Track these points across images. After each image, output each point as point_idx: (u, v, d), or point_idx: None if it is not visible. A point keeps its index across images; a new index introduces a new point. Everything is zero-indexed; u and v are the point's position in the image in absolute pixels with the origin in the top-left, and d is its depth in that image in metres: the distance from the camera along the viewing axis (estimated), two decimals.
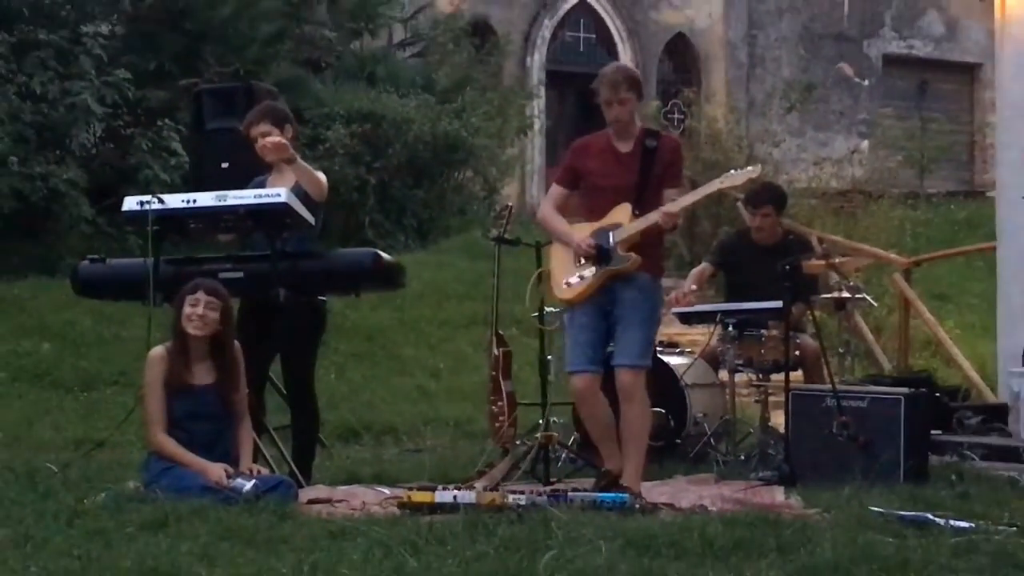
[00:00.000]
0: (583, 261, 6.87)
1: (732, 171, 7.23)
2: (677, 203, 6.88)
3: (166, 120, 15.29)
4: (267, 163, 7.34)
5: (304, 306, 7.11)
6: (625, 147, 6.96)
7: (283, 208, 6.85)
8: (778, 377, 8.14)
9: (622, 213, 6.85)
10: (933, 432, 8.30)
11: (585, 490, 6.53)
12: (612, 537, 5.02)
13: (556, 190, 7.18)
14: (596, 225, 6.90)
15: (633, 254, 6.79)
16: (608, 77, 6.95)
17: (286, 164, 7.17)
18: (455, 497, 6.06)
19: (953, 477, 7.15)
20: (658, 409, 8.02)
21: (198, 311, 6.52)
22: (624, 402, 6.81)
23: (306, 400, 7.31)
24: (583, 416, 7.21)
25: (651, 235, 6.88)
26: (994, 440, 8.81)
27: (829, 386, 7.64)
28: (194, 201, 7.10)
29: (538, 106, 22.81)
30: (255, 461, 6.71)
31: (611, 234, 6.82)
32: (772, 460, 7.90)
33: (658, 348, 8.50)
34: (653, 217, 6.79)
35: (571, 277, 6.92)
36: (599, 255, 6.81)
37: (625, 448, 6.86)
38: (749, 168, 7.29)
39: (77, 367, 11.84)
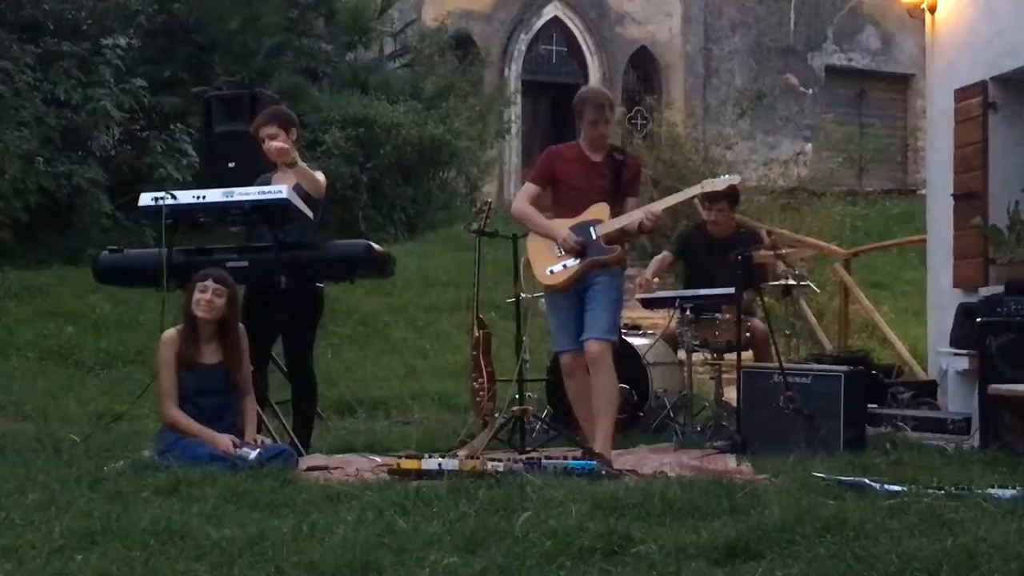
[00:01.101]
0: (563, 252, 6.92)
1: (710, 179, 7.32)
2: (660, 203, 7.05)
3: (178, 124, 15.26)
4: (272, 162, 7.33)
5: (303, 292, 7.09)
6: (596, 157, 7.06)
7: (284, 203, 6.84)
8: (731, 356, 8.17)
9: (601, 211, 6.94)
10: (870, 406, 8.32)
11: (557, 458, 6.53)
12: (581, 500, 5.02)
13: (531, 188, 7.23)
14: (574, 220, 6.96)
15: (617, 246, 6.92)
16: (594, 100, 7.07)
17: (288, 167, 7.15)
18: (440, 464, 6.06)
19: (887, 446, 7.16)
20: (623, 385, 8.04)
21: (206, 297, 6.52)
22: (593, 371, 6.83)
23: (306, 377, 7.29)
24: (571, 392, 7.19)
25: (629, 232, 6.97)
26: (924, 413, 8.82)
27: (777, 364, 7.65)
28: (204, 197, 7.08)
29: (515, 112, 22.79)
30: (259, 432, 6.70)
31: (593, 229, 6.91)
32: (725, 431, 7.92)
33: (623, 330, 8.51)
34: (637, 216, 6.91)
35: (554, 266, 6.98)
36: (583, 247, 6.86)
37: (596, 416, 6.87)
38: (726, 176, 7.40)
39: (98, 347, 11.82)
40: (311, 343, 7.38)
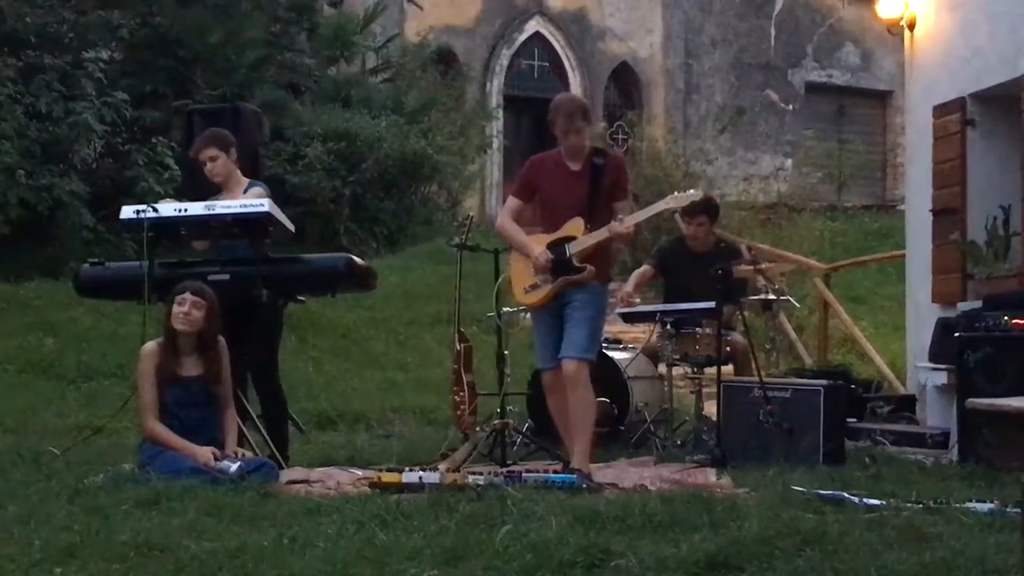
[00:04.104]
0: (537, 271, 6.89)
1: (676, 193, 7.20)
2: (626, 222, 6.82)
3: (160, 137, 15.24)
4: (214, 184, 7.36)
5: (268, 306, 7.07)
6: (575, 166, 6.91)
7: (266, 216, 6.83)
8: (711, 370, 8.16)
9: (575, 227, 6.83)
10: (849, 420, 8.33)
11: (538, 472, 6.53)
12: (562, 513, 5.01)
13: (513, 202, 7.13)
14: (551, 237, 6.87)
15: (588, 265, 6.78)
16: (564, 109, 6.90)
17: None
18: (421, 478, 6.05)
19: (867, 460, 7.18)
20: (603, 399, 8.04)
21: (184, 309, 6.50)
22: (569, 390, 6.77)
23: (272, 389, 7.29)
24: (552, 407, 7.14)
25: (602, 247, 6.89)
26: (903, 427, 8.85)
27: (756, 378, 7.66)
28: (185, 210, 7.07)
29: (496, 127, 22.82)
30: (240, 445, 6.69)
31: (567, 247, 6.81)
32: (705, 445, 7.92)
33: (603, 344, 8.51)
34: (603, 233, 6.77)
35: (530, 284, 6.93)
36: (556, 266, 6.82)
37: (573, 432, 6.84)
38: (691, 191, 7.27)
39: (78, 360, 11.77)
40: (275, 355, 7.39)
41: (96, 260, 7.84)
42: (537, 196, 7.05)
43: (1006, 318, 7.60)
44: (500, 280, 7.66)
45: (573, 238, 6.82)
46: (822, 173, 22.77)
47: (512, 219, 7.08)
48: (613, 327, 10.43)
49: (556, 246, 6.84)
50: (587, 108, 7.10)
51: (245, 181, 7.41)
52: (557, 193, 6.92)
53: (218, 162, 7.27)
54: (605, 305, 7.19)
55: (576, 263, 6.79)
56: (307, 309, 7.54)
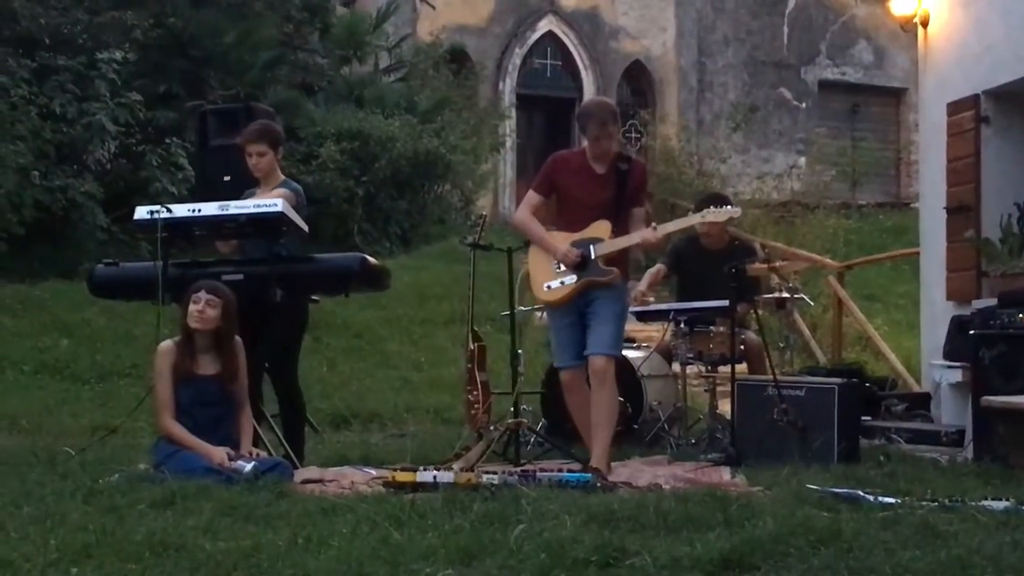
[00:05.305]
0: (562, 268, 6.89)
1: (712, 208, 7.22)
2: (658, 231, 6.87)
3: (174, 138, 15.27)
4: (255, 177, 7.38)
5: (292, 305, 7.08)
6: (600, 168, 6.94)
7: (279, 216, 6.83)
8: (725, 369, 8.16)
9: (602, 228, 6.85)
10: (863, 418, 8.32)
11: (552, 471, 6.53)
12: (576, 512, 5.01)
13: (533, 196, 7.11)
14: (576, 236, 6.89)
15: (614, 268, 6.84)
16: (596, 115, 6.92)
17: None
18: (435, 477, 6.05)
19: (881, 458, 7.17)
20: (617, 398, 8.03)
21: (199, 308, 6.51)
22: (596, 386, 6.80)
23: (290, 389, 7.30)
24: (571, 406, 7.14)
25: (624, 249, 6.94)
26: (918, 425, 8.84)
27: (771, 377, 7.65)
28: (199, 210, 7.08)
29: (509, 126, 22.79)
30: (255, 445, 6.69)
31: (592, 247, 6.83)
32: (719, 443, 7.91)
33: None
34: (635, 239, 6.84)
35: (552, 282, 6.93)
36: (581, 265, 6.82)
37: (594, 430, 6.84)
38: (728, 207, 7.26)
39: (93, 361, 11.81)
40: (295, 356, 7.40)
41: (110, 260, 7.84)
42: (556, 194, 7.05)
43: (1021, 316, 7.57)
44: (520, 277, 7.66)
45: (599, 239, 6.85)
46: (836, 171, 22.75)
47: (531, 213, 7.09)
48: (627, 325, 10.40)
49: (581, 245, 6.86)
50: (617, 113, 7.14)
51: (282, 179, 7.45)
52: (582, 195, 6.93)
53: (265, 159, 7.33)
54: (627, 300, 7.26)
55: (601, 265, 6.83)
56: (321, 309, 7.53)
